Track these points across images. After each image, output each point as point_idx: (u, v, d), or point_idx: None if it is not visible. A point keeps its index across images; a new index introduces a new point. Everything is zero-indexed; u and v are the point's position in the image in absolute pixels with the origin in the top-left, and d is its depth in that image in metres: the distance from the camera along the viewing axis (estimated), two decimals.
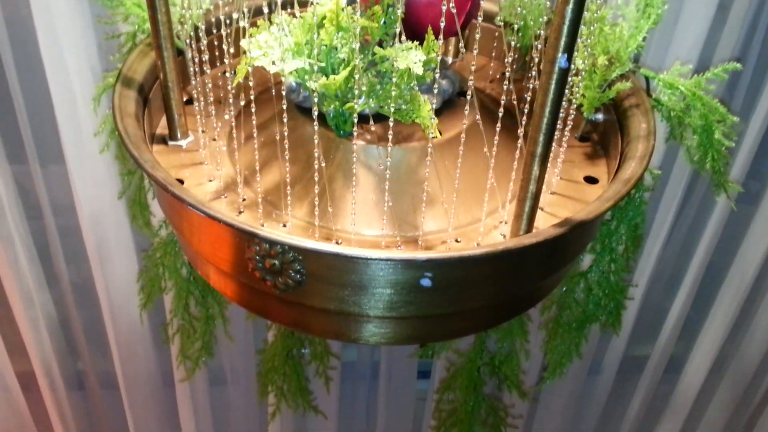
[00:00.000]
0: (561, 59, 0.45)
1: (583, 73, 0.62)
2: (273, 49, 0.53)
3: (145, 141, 0.59)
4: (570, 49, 0.45)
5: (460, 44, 0.77)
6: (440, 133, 0.58)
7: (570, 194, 0.63)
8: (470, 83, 0.51)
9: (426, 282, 0.51)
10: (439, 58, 0.51)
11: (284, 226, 0.57)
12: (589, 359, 1.49)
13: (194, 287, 0.92)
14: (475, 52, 0.52)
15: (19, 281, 1.20)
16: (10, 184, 1.13)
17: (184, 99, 0.69)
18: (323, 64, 0.54)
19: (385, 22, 0.55)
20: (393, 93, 0.52)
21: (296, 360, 1.16)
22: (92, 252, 1.15)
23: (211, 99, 0.63)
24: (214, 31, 0.71)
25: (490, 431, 1.19)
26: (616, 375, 1.53)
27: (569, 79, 0.63)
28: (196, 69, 0.63)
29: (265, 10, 0.65)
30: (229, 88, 0.57)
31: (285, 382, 1.18)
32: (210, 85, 0.62)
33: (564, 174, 0.65)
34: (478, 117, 0.58)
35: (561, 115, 0.65)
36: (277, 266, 0.51)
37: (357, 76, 0.53)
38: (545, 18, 0.72)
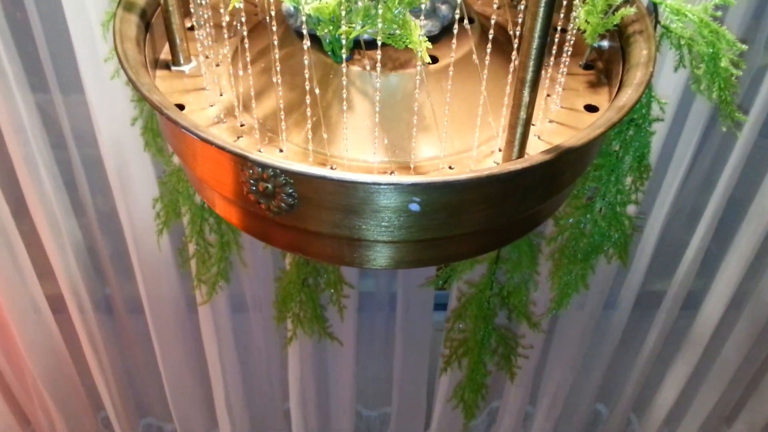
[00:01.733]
0: None
1: None
2: None
3: (144, 65, 0.60)
4: None
5: None
6: (432, 59, 0.58)
7: (568, 123, 0.63)
8: (459, 4, 0.51)
9: (414, 207, 0.52)
10: None
11: (281, 151, 0.58)
12: (605, 293, 1.50)
13: (208, 213, 0.95)
14: None
15: (45, 208, 1.24)
16: (34, 113, 1.15)
17: (190, 25, 0.70)
18: None
19: None
20: (385, 17, 0.52)
21: (311, 288, 1.19)
22: (114, 179, 1.18)
23: (214, 24, 0.63)
24: None
25: (501, 360, 1.22)
26: (632, 310, 1.54)
27: (572, 3, 0.62)
28: None
29: None
30: (222, 12, 0.58)
31: (301, 309, 1.21)
32: (210, 12, 0.63)
33: (565, 102, 0.65)
34: (472, 45, 0.58)
35: (558, 41, 0.64)
36: (270, 189, 0.52)
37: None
38: None
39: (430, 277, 1.20)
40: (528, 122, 0.53)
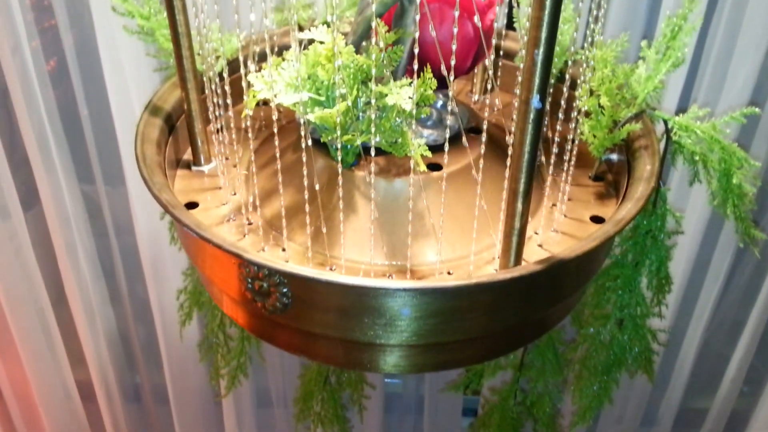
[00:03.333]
0: (534, 100, 0.46)
1: (583, 110, 0.62)
2: (276, 83, 0.56)
3: (161, 166, 0.63)
4: (543, 90, 0.46)
5: (491, 80, 0.79)
6: (436, 167, 0.59)
7: (573, 233, 0.63)
8: (453, 113, 0.53)
9: (406, 311, 0.52)
10: (444, 95, 0.52)
11: (283, 250, 0.60)
12: (642, 408, 1.44)
13: None
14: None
15: (83, 296, 1.28)
16: (79, 203, 1.21)
17: (218, 127, 0.73)
18: (322, 98, 0.57)
19: (384, 60, 0.57)
20: (384, 127, 0.54)
21: (333, 386, 1.18)
22: (148, 270, 1.22)
23: (237, 127, 0.67)
24: (249, 64, 0.76)
25: None
26: (672, 428, 1.47)
27: (578, 117, 0.64)
28: (220, 101, 0.67)
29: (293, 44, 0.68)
30: (243, 117, 0.61)
31: (322, 408, 1.20)
32: (232, 115, 0.66)
33: (572, 213, 0.65)
34: (476, 156, 0.60)
35: (564, 151, 0.65)
36: (265, 288, 0.53)
37: (360, 109, 0.56)
38: (567, 57, 0.73)
39: (451, 382, 1.18)
40: (523, 232, 0.53)
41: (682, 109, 0.82)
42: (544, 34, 0.44)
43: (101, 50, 1.00)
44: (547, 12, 0.43)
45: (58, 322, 1.33)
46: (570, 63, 0.73)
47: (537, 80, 0.45)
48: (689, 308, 1.30)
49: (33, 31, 1.03)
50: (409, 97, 0.53)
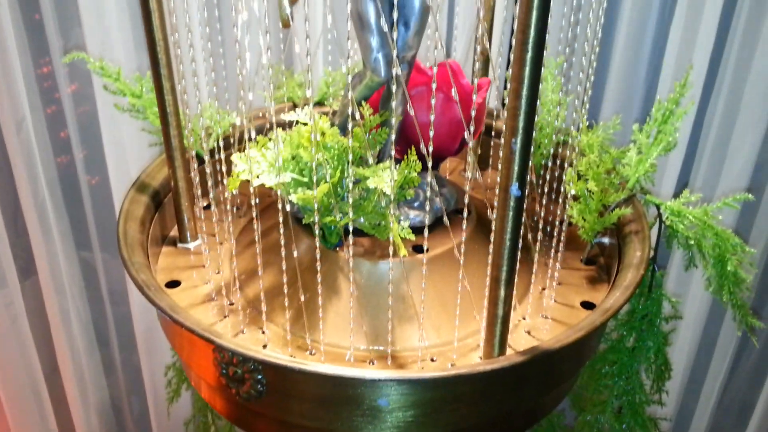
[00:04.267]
0: (513, 188, 0.45)
1: (571, 194, 0.61)
2: (259, 163, 0.56)
3: (143, 244, 0.62)
4: (522, 179, 0.45)
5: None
6: (422, 249, 0.58)
7: (563, 319, 0.61)
8: (440, 194, 0.52)
9: (383, 402, 0.50)
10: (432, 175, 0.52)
11: (263, 333, 0.58)
12: None
13: None
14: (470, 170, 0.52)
15: (75, 366, 1.26)
16: (75, 270, 1.21)
17: (205, 204, 0.73)
18: (306, 179, 0.57)
19: (369, 142, 0.57)
20: (366, 210, 0.53)
21: None
22: (141, 340, 1.20)
23: (226, 203, 0.66)
24: (241, 141, 0.76)
25: None
26: None
27: (566, 201, 0.63)
28: (209, 178, 0.67)
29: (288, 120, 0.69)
30: (227, 196, 0.60)
31: None
32: (225, 193, 0.66)
33: (561, 297, 0.63)
34: (459, 240, 0.59)
35: (555, 234, 0.64)
36: (239, 374, 0.52)
37: (345, 190, 0.55)
38: (556, 138, 0.73)
39: None
40: (506, 320, 0.51)
41: (681, 190, 0.81)
42: (521, 124, 0.43)
43: (102, 124, 1.01)
44: (523, 102, 0.42)
45: (50, 392, 1.30)
46: (561, 144, 0.72)
47: (516, 168, 0.45)
48: (696, 390, 1.26)
49: (37, 103, 1.04)
50: (391, 180, 0.53)
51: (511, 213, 0.46)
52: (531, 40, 0.40)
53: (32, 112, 1.02)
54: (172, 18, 0.57)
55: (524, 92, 0.42)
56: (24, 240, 1.17)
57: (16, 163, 1.04)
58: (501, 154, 0.45)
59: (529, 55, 0.40)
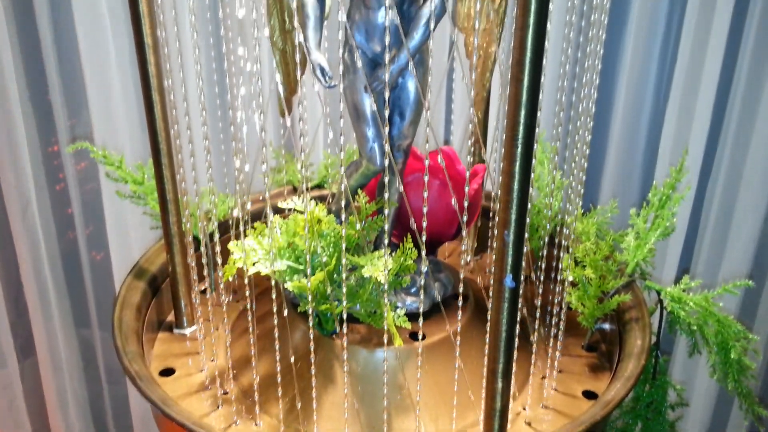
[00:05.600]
0: (507, 279, 0.45)
1: (568, 281, 0.61)
2: (255, 251, 0.56)
3: (138, 332, 0.62)
4: (516, 270, 0.45)
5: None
6: (420, 337, 0.58)
7: (564, 410, 0.60)
8: (437, 280, 0.51)
9: None
10: (429, 261, 0.51)
11: (256, 424, 0.57)
12: None
13: None
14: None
15: None
16: (74, 350, 1.19)
17: (202, 288, 0.73)
18: (301, 267, 0.56)
19: (365, 229, 0.57)
20: (360, 298, 0.53)
21: None
22: (138, 423, 1.18)
23: (224, 288, 0.66)
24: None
25: None
26: None
27: (563, 288, 0.62)
28: (209, 264, 0.67)
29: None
30: (221, 284, 0.60)
31: None
32: (222, 278, 0.66)
33: (562, 386, 0.62)
34: (455, 328, 0.58)
35: (554, 320, 0.63)
36: None
37: (340, 278, 0.55)
38: (556, 223, 0.73)
39: None
40: (504, 413, 0.50)
41: (682, 273, 0.80)
42: (513, 216, 0.43)
43: (105, 206, 1.02)
44: (515, 195, 0.42)
45: None
46: (559, 226, 0.72)
47: (509, 260, 0.44)
48: None
49: (43, 183, 1.06)
50: (386, 269, 0.53)
51: (506, 305, 0.46)
52: (521, 136, 0.40)
53: (38, 191, 1.03)
54: (172, 112, 0.58)
55: (515, 186, 0.42)
56: (25, 319, 1.16)
57: (20, 244, 1.05)
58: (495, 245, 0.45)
59: (518, 150, 0.41)
